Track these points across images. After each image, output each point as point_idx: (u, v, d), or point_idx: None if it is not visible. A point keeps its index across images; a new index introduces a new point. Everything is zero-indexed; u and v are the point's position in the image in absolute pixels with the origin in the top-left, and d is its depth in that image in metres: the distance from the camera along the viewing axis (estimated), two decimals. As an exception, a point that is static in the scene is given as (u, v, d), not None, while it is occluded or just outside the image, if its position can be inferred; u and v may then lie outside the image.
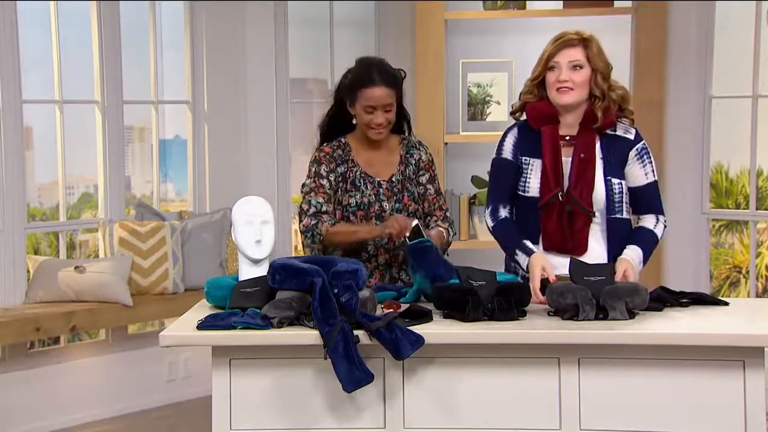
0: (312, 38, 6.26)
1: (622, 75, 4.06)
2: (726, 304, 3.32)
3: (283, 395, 3.02)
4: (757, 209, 5.71)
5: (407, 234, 3.33)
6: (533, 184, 3.45)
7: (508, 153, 3.51)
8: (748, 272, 8.38)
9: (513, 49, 5.62)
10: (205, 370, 4.12)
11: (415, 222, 3.35)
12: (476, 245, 5.52)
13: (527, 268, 3.36)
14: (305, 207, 3.58)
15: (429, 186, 3.70)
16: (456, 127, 5.61)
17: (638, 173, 3.47)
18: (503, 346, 2.99)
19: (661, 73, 5.41)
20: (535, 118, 3.47)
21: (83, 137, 5.69)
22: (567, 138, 3.44)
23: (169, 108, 6.18)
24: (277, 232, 4.19)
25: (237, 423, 3.02)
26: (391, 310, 3.11)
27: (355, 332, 2.90)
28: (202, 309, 3.26)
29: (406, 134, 3.74)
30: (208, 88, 5.89)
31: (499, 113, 5.50)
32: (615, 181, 3.44)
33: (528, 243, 3.41)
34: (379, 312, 3.11)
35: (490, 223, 3.54)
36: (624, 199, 3.46)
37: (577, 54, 3.40)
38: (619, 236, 3.44)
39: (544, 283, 3.27)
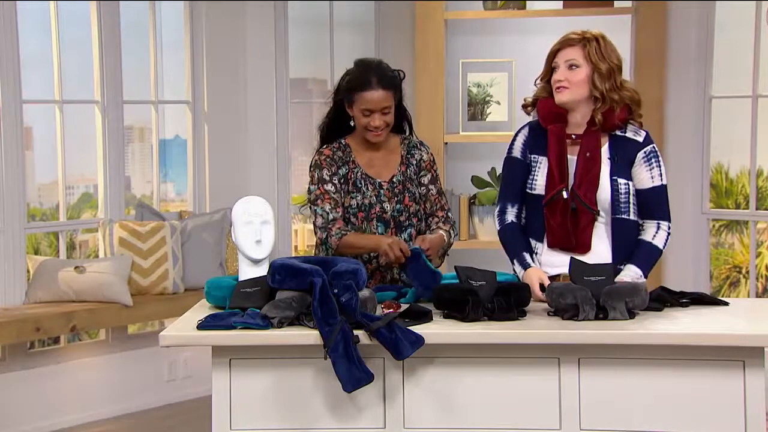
0: (312, 38, 6.26)
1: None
2: (726, 304, 3.32)
3: (283, 395, 3.02)
4: (757, 209, 5.71)
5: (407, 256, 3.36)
6: (540, 182, 3.46)
7: (517, 152, 3.54)
8: (748, 272, 8.38)
9: (513, 49, 5.62)
10: (205, 370, 4.13)
11: (416, 247, 3.37)
12: (476, 245, 5.52)
13: (522, 279, 3.39)
14: (314, 218, 3.59)
15: (431, 186, 3.70)
16: (456, 127, 5.61)
17: (644, 176, 3.45)
18: (503, 346, 2.99)
19: (661, 73, 5.41)
20: (545, 116, 3.49)
21: (83, 137, 5.69)
22: (573, 137, 3.45)
23: (169, 108, 6.18)
24: (277, 232, 4.20)
25: (237, 423, 3.02)
26: (391, 310, 3.11)
27: (355, 332, 2.90)
28: (202, 309, 3.26)
29: (407, 134, 3.74)
30: (208, 88, 5.89)
31: (499, 113, 5.50)
32: (621, 181, 3.43)
33: (526, 256, 3.45)
34: (379, 312, 3.11)
35: (497, 226, 3.58)
36: (631, 200, 3.44)
37: (574, 53, 3.41)
38: (624, 237, 3.43)
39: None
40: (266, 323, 2.95)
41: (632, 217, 3.45)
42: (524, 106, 3.58)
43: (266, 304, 3.01)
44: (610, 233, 3.45)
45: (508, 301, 3.08)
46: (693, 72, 5.51)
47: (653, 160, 3.46)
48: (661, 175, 3.46)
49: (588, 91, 3.41)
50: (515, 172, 3.53)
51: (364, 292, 3.03)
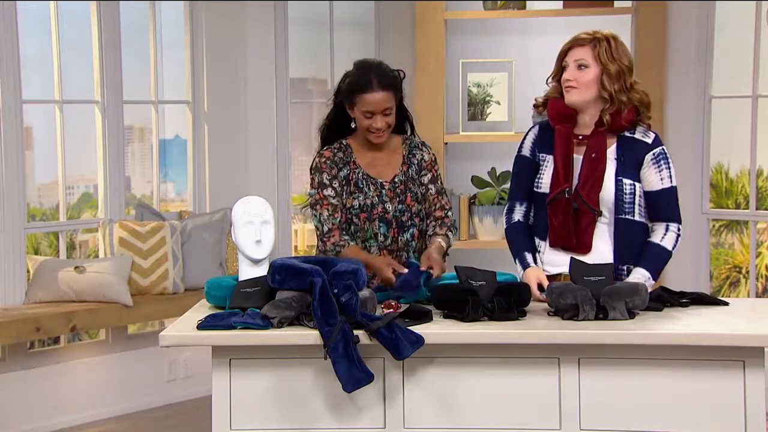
0: (312, 38, 6.26)
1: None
2: (726, 304, 3.32)
3: (283, 395, 3.02)
4: (757, 209, 5.71)
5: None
6: (545, 180, 3.48)
7: (527, 150, 3.56)
8: (748, 272, 8.38)
9: (513, 49, 5.62)
10: (205, 370, 4.13)
11: (413, 264, 3.38)
12: (476, 245, 5.51)
13: (521, 279, 3.41)
14: (314, 224, 3.59)
15: (431, 186, 3.69)
16: (456, 127, 5.61)
17: (653, 178, 3.43)
18: (503, 346, 2.99)
19: (661, 73, 5.41)
20: (554, 116, 3.49)
21: (83, 137, 5.69)
22: (580, 137, 3.44)
23: (169, 108, 6.18)
24: (277, 232, 4.20)
25: (237, 423, 3.02)
26: (391, 310, 3.11)
27: (355, 332, 2.91)
28: (202, 309, 3.26)
29: (409, 134, 3.74)
30: (208, 88, 5.89)
31: (499, 113, 5.50)
32: (626, 181, 3.41)
33: (527, 256, 3.47)
34: (379, 312, 3.11)
35: (504, 224, 3.61)
36: (636, 201, 3.42)
37: (583, 53, 3.41)
38: (628, 237, 3.42)
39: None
40: (266, 323, 2.96)
41: (637, 218, 3.43)
42: (535, 106, 3.60)
43: (266, 304, 3.01)
44: (612, 233, 3.44)
45: (508, 301, 3.08)
46: (693, 72, 5.51)
47: (662, 161, 3.44)
48: (670, 176, 3.44)
49: (597, 91, 3.40)
50: (524, 170, 3.56)
51: (364, 292, 3.03)
